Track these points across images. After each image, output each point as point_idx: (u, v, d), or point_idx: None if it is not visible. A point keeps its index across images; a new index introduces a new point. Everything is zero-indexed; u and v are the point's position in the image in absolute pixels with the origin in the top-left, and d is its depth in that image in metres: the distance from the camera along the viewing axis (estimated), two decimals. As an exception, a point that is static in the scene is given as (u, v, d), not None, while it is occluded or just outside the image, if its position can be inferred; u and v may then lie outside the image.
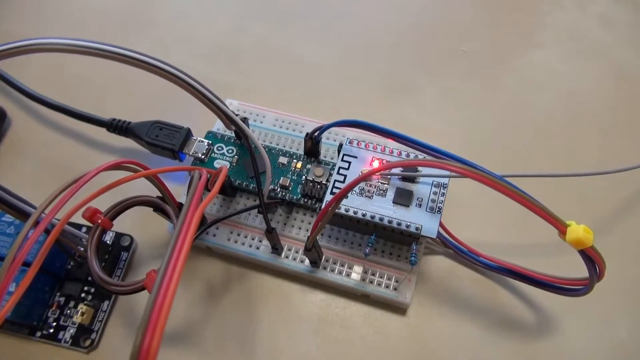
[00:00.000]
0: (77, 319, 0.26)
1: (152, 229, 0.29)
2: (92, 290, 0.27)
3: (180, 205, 0.25)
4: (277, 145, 0.30)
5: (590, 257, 0.19)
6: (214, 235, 0.27)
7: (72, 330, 0.26)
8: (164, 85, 0.34)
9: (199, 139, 0.29)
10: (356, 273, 0.26)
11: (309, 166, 0.28)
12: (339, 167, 0.26)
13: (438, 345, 0.26)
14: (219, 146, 0.29)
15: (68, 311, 0.26)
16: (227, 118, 0.21)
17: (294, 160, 0.28)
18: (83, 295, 0.27)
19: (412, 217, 0.24)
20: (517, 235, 0.29)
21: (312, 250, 0.24)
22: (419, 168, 0.25)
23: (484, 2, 0.39)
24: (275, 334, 0.26)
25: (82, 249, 0.26)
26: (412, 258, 0.23)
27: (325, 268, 0.26)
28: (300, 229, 0.27)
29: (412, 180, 0.25)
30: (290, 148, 0.30)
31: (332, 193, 0.25)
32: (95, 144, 0.32)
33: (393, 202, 0.24)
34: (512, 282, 0.27)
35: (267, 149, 0.29)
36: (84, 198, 0.18)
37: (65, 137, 0.32)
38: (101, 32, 0.37)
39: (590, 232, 0.18)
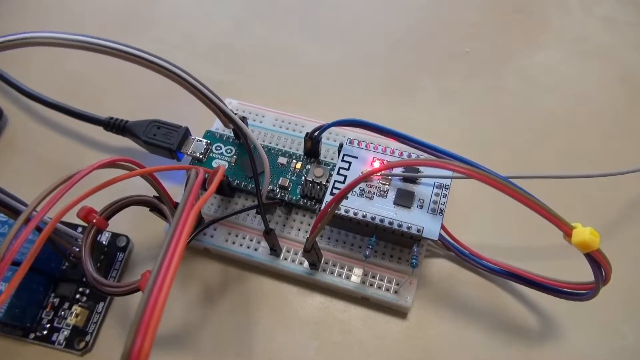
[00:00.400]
0: (71, 320, 0.25)
1: (149, 229, 0.28)
2: (87, 291, 0.26)
3: (176, 205, 0.25)
4: (277, 145, 0.29)
5: (596, 260, 0.19)
6: (212, 236, 0.27)
7: (66, 332, 0.25)
8: (162, 84, 0.33)
9: (197, 138, 0.28)
10: (356, 275, 0.26)
11: (308, 167, 0.28)
12: (339, 168, 0.25)
13: (439, 350, 0.25)
14: (218, 146, 0.29)
15: (62, 312, 0.26)
16: (224, 116, 0.21)
17: (294, 161, 0.28)
18: (78, 296, 0.26)
19: (414, 219, 0.23)
20: (521, 238, 0.28)
21: (311, 252, 0.24)
22: (421, 169, 0.24)
23: (487, 3, 0.38)
24: (273, 337, 0.25)
25: (77, 249, 0.25)
26: (413, 260, 0.23)
27: (324, 270, 0.26)
28: (299, 230, 0.27)
29: (413, 181, 0.24)
30: (290, 148, 0.29)
31: (331, 194, 0.24)
32: (92, 143, 0.31)
33: (394, 203, 0.24)
34: (515, 286, 0.26)
35: (266, 149, 0.28)
36: (77, 196, 0.17)
37: (62, 136, 0.32)
38: (100, 31, 0.36)
39: (597, 235, 0.18)
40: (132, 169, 0.20)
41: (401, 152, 0.25)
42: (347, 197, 0.24)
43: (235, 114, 0.24)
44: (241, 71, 0.35)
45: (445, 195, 0.24)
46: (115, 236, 0.28)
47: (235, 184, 0.27)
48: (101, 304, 0.26)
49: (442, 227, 0.24)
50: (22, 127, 0.32)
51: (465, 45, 0.36)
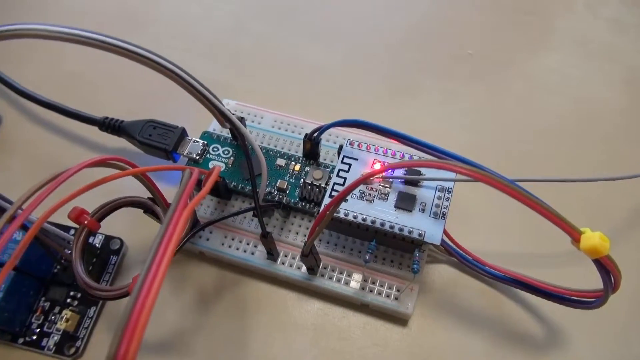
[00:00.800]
0: (61, 325, 0.24)
1: (143, 232, 0.28)
2: (79, 295, 0.26)
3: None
4: (275, 147, 0.29)
5: (606, 266, 0.18)
6: (207, 240, 0.26)
7: (56, 337, 0.25)
8: (160, 84, 0.33)
9: (193, 139, 0.28)
10: (355, 281, 0.25)
11: (307, 169, 0.27)
12: (339, 170, 0.24)
13: (440, 359, 0.24)
14: (215, 147, 0.28)
15: (53, 317, 0.25)
16: (220, 115, 0.20)
17: (293, 163, 0.27)
18: (69, 300, 0.25)
19: (415, 223, 0.22)
20: (525, 243, 0.27)
21: (310, 257, 0.23)
22: (423, 171, 0.24)
23: (492, 5, 0.38)
24: (269, 344, 0.25)
25: (68, 252, 0.25)
26: (415, 266, 0.22)
27: (323, 275, 0.25)
28: (297, 234, 0.26)
29: (415, 184, 0.24)
30: (289, 150, 0.29)
31: (330, 196, 0.24)
32: (86, 143, 0.31)
33: (395, 207, 0.23)
34: (520, 294, 0.26)
35: (264, 151, 0.28)
36: (66, 195, 0.17)
37: (56, 136, 0.31)
38: (98, 29, 0.36)
39: (607, 240, 0.17)
40: (125, 169, 0.19)
41: (403, 154, 0.25)
42: (347, 200, 0.23)
43: (233, 114, 0.24)
44: (240, 71, 0.34)
45: (448, 199, 0.23)
46: (108, 239, 0.27)
47: (232, 185, 0.27)
48: (93, 309, 0.25)
49: (445, 232, 0.23)
50: (16, 127, 0.32)
51: (468, 46, 0.35)
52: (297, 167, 0.27)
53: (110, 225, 0.26)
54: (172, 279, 0.26)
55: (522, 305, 0.26)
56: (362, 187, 0.24)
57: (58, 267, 0.26)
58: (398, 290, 0.25)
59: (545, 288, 0.23)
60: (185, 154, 0.27)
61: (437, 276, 0.27)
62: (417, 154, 0.24)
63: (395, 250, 0.25)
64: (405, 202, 0.23)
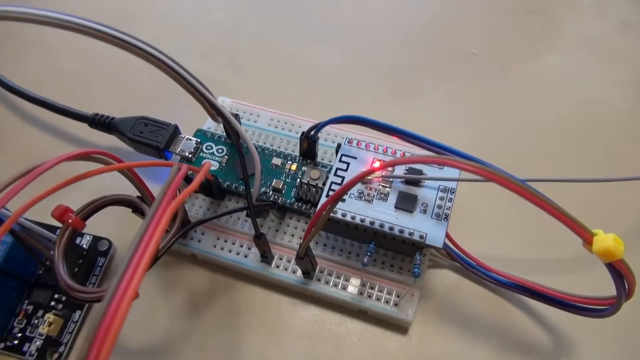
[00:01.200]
0: (44, 329, 0.23)
1: (133, 232, 0.25)
2: (64, 298, 0.24)
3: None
4: (272, 145, 0.28)
5: (620, 271, 0.17)
6: (199, 241, 0.25)
7: (38, 342, 0.23)
8: (155, 83, 0.32)
9: (186, 136, 0.27)
10: (353, 286, 0.24)
11: (304, 168, 0.26)
12: (337, 169, 0.23)
13: (442, 369, 0.23)
14: (208, 145, 0.27)
15: (36, 321, 0.24)
16: (211, 107, 0.19)
17: (289, 162, 0.26)
18: (53, 303, 0.24)
19: (416, 224, 0.21)
20: (531, 248, 0.26)
21: (305, 259, 0.22)
22: (424, 170, 0.23)
23: (494, 4, 0.37)
24: (262, 351, 0.23)
25: (53, 253, 0.24)
26: (416, 269, 0.21)
27: (319, 280, 0.24)
28: (293, 236, 0.25)
29: (416, 183, 0.22)
30: (286, 149, 0.27)
31: (327, 196, 0.23)
32: (76, 140, 0.30)
33: (395, 207, 0.22)
34: (525, 301, 0.25)
35: (260, 150, 0.27)
36: (45, 190, 0.16)
37: (45, 133, 0.30)
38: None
39: (621, 243, 0.16)
40: (109, 163, 0.18)
41: (403, 153, 0.24)
42: (344, 200, 0.22)
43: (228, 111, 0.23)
44: (238, 70, 0.33)
45: (450, 200, 0.22)
46: (96, 240, 0.26)
47: (225, 185, 0.26)
48: (78, 313, 0.24)
49: (447, 235, 0.22)
50: (3, 124, 0.31)
51: (470, 46, 0.34)
52: (294, 167, 0.26)
53: (98, 226, 0.25)
54: (162, 282, 0.25)
55: (528, 313, 0.24)
56: (360, 187, 0.23)
57: (42, 268, 0.25)
58: (398, 296, 0.23)
59: (552, 295, 0.22)
60: (177, 152, 0.26)
61: (439, 282, 0.25)
62: (419, 153, 0.23)
63: (395, 253, 0.24)
64: (406, 203, 0.22)
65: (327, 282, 0.24)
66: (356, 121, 0.22)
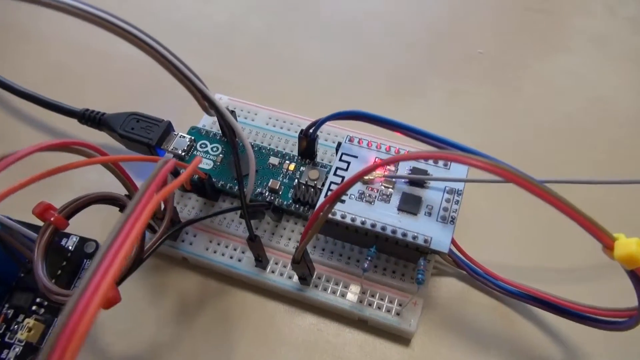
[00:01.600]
0: (23, 335, 0.22)
1: (122, 234, 0.25)
2: (46, 302, 0.23)
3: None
4: (269, 145, 0.26)
5: (643, 279, 0.15)
6: (191, 244, 0.24)
7: (17, 349, 0.22)
8: (150, 80, 0.31)
9: (180, 134, 0.25)
10: (352, 293, 0.22)
11: (303, 169, 0.25)
12: (336, 168, 0.22)
13: (447, 384, 0.22)
14: (203, 143, 0.26)
15: (16, 326, 0.22)
16: (203, 98, 0.18)
17: (287, 162, 0.25)
18: (34, 307, 0.23)
19: (420, 228, 0.20)
20: (542, 255, 0.25)
21: (301, 264, 0.20)
22: (430, 171, 0.21)
23: (504, 4, 0.36)
24: (255, 362, 0.22)
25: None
26: (420, 276, 0.19)
27: (316, 286, 0.23)
28: (290, 239, 0.24)
29: (420, 184, 0.21)
30: (284, 148, 0.26)
31: (326, 196, 0.21)
32: (65, 137, 0.29)
33: (398, 209, 0.21)
34: (536, 312, 0.23)
35: (257, 148, 0.26)
36: (15, 183, 0.14)
37: (33, 128, 0.29)
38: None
39: (646, 248, 0.15)
40: (91, 156, 0.17)
41: (408, 152, 0.22)
42: (344, 201, 0.21)
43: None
44: (235, 67, 0.32)
45: (457, 202, 0.21)
46: (83, 241, 0.25)
47: (219, 185, 0.24)
48: (60, 317, 0.23)
49: (452, 241, 0.20)
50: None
51: (478, 46, 0.33)
52: (292, 167, 0.25)
53: (86, 227, 0.24)
54: (149, 286, 0.24)
55: (538, 325, 0.23)
56: (361, 188, 0.21)
57: (24, 270, 0.23)
58: (400, 305, 0.22)
59: (565, 305, 0.21)
60: (170, 149, 0.25)
61: (444, 290, 0.24)
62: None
63: (398, 259, 0.23)
64: (410, 205, 0.21)
65: (325, 289, 0.22)
66: (357, 117, 0.20)
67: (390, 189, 0.21)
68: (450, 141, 0.19)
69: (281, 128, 0.27)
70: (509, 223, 0.26)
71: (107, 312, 0.23)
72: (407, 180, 0.21)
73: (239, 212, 0.24)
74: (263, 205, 0.23)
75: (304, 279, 0.22)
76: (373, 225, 0.20)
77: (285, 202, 0.24)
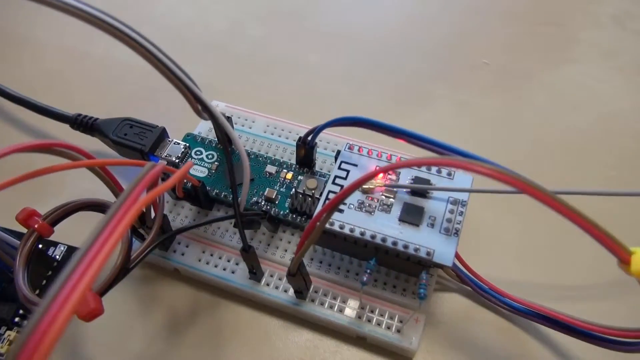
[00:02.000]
0: (3, 349, 0.21)
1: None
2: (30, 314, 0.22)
3: (140, 214, 0.20)
4: (267, 153, 0.26)
5: (662, 297, 0.14)
6: (182, 254, 0.23)
7: (-3, 363, 0.21)
8: (146, 87, 0.30)
9: (174, 140, 0.25)
10: (351, 309, 0.21)
11: (300, 178, 0.24)
12: (335, 177, 0.21)
13: (450, 407, 0.20)
14: (198, 150, 0.25)
15: (-3, 339, 0.21)
16: (195, 99, 0.17)
17: (284, 170, 0.24)
18: (17, 319, 0.22)
19: (423, 240, 0.19)
20: (552, 271, 0.24)
21: (298, 276, 0.19)
22: (433, 181, 0.20)
23: (510, 14, 0.35)
24: (247, 380, 0.21)
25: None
26: (422, 290, 0.18)
27: (313, 300, 0.21)
28: (286, 251, 0.23)
29: (423, 194, 0.20)
30: (281, 157, 0.25)
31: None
32: (57, 143, 0.28)
33: (399, 220, 0.20)
34: (545, 331, 0.22)
35: (253, 156, 0.25)
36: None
37: (22, 133, 0.28)
38: (87, 25, 0.34)
39: (665, 262, 0.14)
40: (76, 159, 0.16)
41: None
42: (343, 211, 0.20)
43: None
44: (233, 74, 0.32)
45: (461, 213, 0.20)
46: (71, 250, 0.24)
47: (214, 194, 0.23)
48: (44, 330, 0.22)
49: (456, 255, 0.19)
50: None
51: (484, 56, 0.32)
52: (289, 176, 0.24)
53: (75, 235, 0.23)
54: (138, 299, 0.23)
55: (547, 345, 0.22)
56: (361, 197, 0.20)
57: (6, 279, 0.22)
58: (401, 321, 0.21)
59: (576, 325, 0.20)
60: (163, 156, 0.24)
61: (447, 307, 0.23)
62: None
63: (399, 273, 0.22)
64: (412, 215, 0.19)
65: (322, 304, 0.21)
66: (358, 123, 0.20)
67: (391, 199, 0.20)
68: (457, 149, 0.18)
69: (279, 136, 0.27)
70: (516, 236, 0.25)
71: (91, 326, 0.22)
72: (409, 190, 0.20)
73: (233, 221, 0.23)
74: (258, 215, 0.22)
75: (300, 293, 0.21)
76: (373, 237, 0.19)
77: (281, 212, 0.23)
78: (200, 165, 0.24)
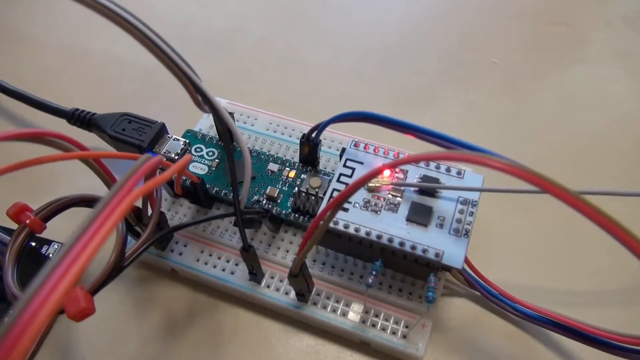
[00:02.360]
0: (-8, 349, 0.20)
1: (110, 241, 0.23)
2: (21, 313, 0.21)
3: (136, 211, 0.20)
4: (269, 150, 0.25)
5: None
6: (180, 254, 0.22)
7: (-15, 365, 0.20)
8: (147, 84, 0.30)
9: (174, 136, 0.24)
10: (355, 313, 0.20)
11: (304, 176, 0.23)
12: (340, 174, 0.20)
13: (458, 417, 0.19)
14: (198, 147, 0.24)
15: (-14, 339, 0.21)
16: (195, 90, 0.16)
17: (287, 169, 0.23)
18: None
19: (431, 240, 0.18)
20: (565, 276, 0.23)
21: (299, 278, 0.19)
22: (442, 180, 0.20)
23: (519, 15, 0.35)
24: (245, 386, 0.20)
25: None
26: (430, 293, 0.17)
27: (315, 303, 0.21)
28: (287, 251, 0.22)
29: (431, 193, 0.19)
30: (284, 155, 0.25)
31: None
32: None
33: (407, 220, 0.19)
34: (557, 338, 0.21)
35: (255, 154, 0.24)
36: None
37: (18, 128, 0.27)
38: (87, 22, 0.33)
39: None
40: (69, 150, 0.15)
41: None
42: (347, 210, 0.19)
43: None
44: (236, 71, 0.31)
45: (471, 214, 0.19)
46: (65, 248, 0.23)
47: (214, 192, 0.23)
48: (35, 331, 0.21)
49: (465, 259, 0.18)
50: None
51: (493, 56, 0.32)
52: (292, 174, 0.23)
53: (70, 233, 0.22)
54: (133, 300, 0.22)
55: (559, 353, 0.21)
56: (367, 196, 0.20)
57: (-2, 278, 0.22)
58: (407, 327, 0.20)
59: (589, 332, 0.19)
60: (162, 152, 0.23)
61: (455, 312, 0.22)
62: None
63: (405, 275, 0.21)
64: (420, 215, 0.19)
65: (325, 307, 0.21)
66: (365, 118, 0.19)
67: (398, 198, 0.19)
68: (469, 143, 0.17)
69: (282, 134, 0.26)
70: (526, 239, 0.24)
71: (85, 327, 0.21)
72: (416, 188, 0.19)
73: (233, 220, 0.22)
74: (259, 213, 0.21)
75: (302, 295, 0.20)
76: (379, 237, 0.18)
77: (283, 211, 0.22)
78: (200, 162, 0.24)
